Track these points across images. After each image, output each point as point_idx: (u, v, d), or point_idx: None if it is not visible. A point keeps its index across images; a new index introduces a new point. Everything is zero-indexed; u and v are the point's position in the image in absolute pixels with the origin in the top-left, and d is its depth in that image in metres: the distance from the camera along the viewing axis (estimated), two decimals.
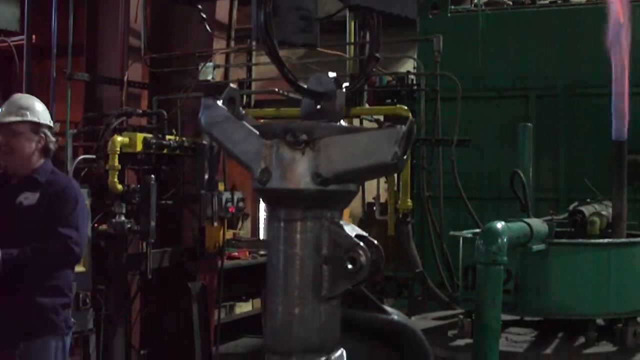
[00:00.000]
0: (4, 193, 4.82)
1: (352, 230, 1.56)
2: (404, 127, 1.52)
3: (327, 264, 1.53)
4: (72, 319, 5.05)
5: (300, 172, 1.52)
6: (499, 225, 3.64)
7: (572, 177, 8.07)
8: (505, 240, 3.59)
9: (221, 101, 1.68)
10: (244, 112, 1.72)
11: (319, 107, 1.67)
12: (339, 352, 1.57)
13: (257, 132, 1.60)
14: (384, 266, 1.52)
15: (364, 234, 1.58)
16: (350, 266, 1.51)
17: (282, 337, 1.54)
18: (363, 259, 1.51)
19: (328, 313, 1.55)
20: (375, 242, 1.54)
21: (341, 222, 1.57)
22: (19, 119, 4.75)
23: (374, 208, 8.37)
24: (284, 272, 1.54)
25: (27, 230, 4.66)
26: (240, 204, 7.87)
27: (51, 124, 4.99)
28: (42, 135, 4.84)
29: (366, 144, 1.52)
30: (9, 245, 4.59)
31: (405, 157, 1.52)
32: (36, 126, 4.82)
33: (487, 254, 3.58)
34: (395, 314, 1.83)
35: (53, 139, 4.96)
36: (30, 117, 4.78)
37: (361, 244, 1.53)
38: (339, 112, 1.66)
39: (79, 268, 6.74)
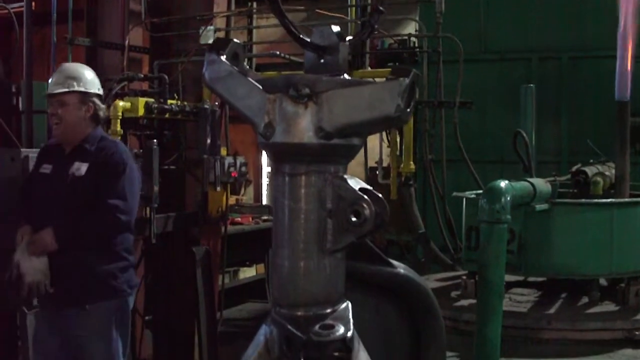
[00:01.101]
0: (59, 164, 4.87)
1: (356, 183, 1.56)
2: (407, 80, 1.51)
3: (332, 218, 1.53)
4: (135, 278, 5.14)
5: (303, 126, 1.51)
6: (502, 184, 3.63)
7: (575, 140, 8.05)
8: (508, 199, 3.58)
9: (225, 56, 1.66)
10: (247, 67, 1.70)
11: (322, 60, 1.65)
12: (344, 304, 1.57)
13: (261, 87, 1.58)
14: (388, 219, 1.52)
15: (368, 187, 1.56)
16: (354, 219, 1.51)
17: (288, 290, 1.55)
18: (367, 212, 1.50)
19: (333, 266, 1.55)
20: (380, 195, 1.53)
21: (345, 176, 1.56)
22: (66, 89, 4.78)
23: (377, 172, 8.37)
24: (289, 226, 1.54)
25: (80, 202, 4.70)
26: (243, 168, 7.86)
27: (100, 91, 5.01)
28: (91, 104, 4.86)
29: (369, 96, 1.51)
30: (65, 216, 4.66)
31: (408, 109, 1.51)
32: (84, 96, 4.84)
33: (490, 212, 3.57)
34: (401, 268, 1.82)
35: (102, 106, 5.00)
36: (77, 87, 4.81)
37: (365, 197, 1.52)
38: (342, 65, 1.65)
39: None
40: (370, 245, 1.79)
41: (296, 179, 1.54)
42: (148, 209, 7.41)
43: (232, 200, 9.86)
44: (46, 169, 4.92)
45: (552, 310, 4.30)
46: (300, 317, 1.52)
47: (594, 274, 4.41)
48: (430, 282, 5.21)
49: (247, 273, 11.38)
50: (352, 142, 1.57)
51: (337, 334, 1.47)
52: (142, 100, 7.18)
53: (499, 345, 3.59)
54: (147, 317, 8.61)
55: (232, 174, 7.74)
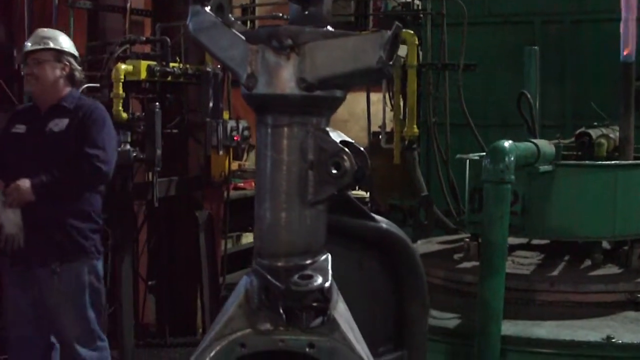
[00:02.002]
0: (34, 122, 4.94)
1: (337, 136, 1.58)
2: (389, 32, 1.51)
3: (313, 169, 1.54)
4: (101, 245, 5.22)
5: (285, 77, 1.52)
6: (506, 143, 3.59)
7: (578, 104, 7.97)
8: (512, 158, 3.54)
9: (209, 7, 1.65)
10: (233, 18, 1.68)
11: (306, 12, 1.65)
12: (324, 256, 1.59)
13: (244, 38, 1.59)
14: (370, 172, 1.52)
15: (350, 140, 1.60)
16: (334, 171, 1.53)
17: (270, 241, 1.56)
18: (347, 164, 1.52)
19: (314, 217, 1.57)
20: (362, 148, 1.55)
21: (327, 129, 1.58)
22: (41, 47, 4.90)
23: (380, 137, 8.33)
24: (271, 178, 1.55)
25: (59, 156, 4.79)
26: (246, 132, 7.84)
27: (76, 53, 5.12)
28: (66, 62, 4.98)
29: (351, 48, 1.52)
30: (43, 172, 4.73)
31: (391, 62, 1.51)
32: (58, 54, 4.96)
33: (494, 172, 3.53)
34: (384, 223, 1.83)
35: (79, 67, 5.09)
36: (52, 45, 4.92)
37: (345, 149, 1.53)
38: (326, 17, 1.65)
39: None
40: (354, 200, 1.81)
41: (278, 131, 1.55)
42: (150, 173, 7.41)
43: (234, 165, 9.84)
44: (19, 129, 4.98)
45: (555, 273, 4.26)
46: (281, 268, 1.54)
47: (597, 236, 4.37)
48: (433, 245, 5.18)
49: (250, 238, 11.38)
50: (335, 94, 1.57)
51: (315, 284, 1.49)
52: (144, 64, 7.15)
53: (502, 307, 3.57)
54: (150, 282, 8.64)
55: (235, 138, 7.73)
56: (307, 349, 1.51)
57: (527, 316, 3.89)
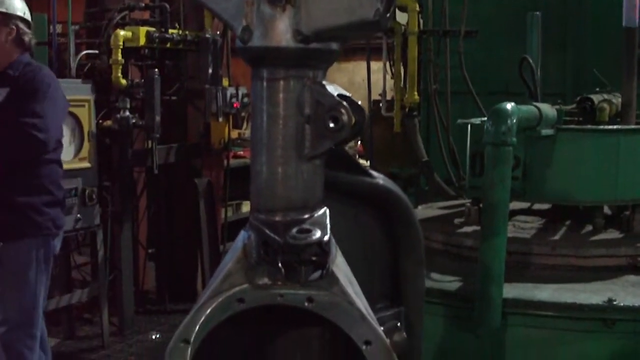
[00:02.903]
0: None
1: (334, 90, 1.54)
2: None
3: (310, 123, 1.51)
4: (63, 218, 4.95)
5: (281, 29, 1.48)
6: (508, 106, 3.57)
7: (580, 73, 7.93)
8: (514, 121, 3.52)
9: None
10: None
11: None
12: (322, 210, 1.56)
13: None
14: (366, 127, 1.50)
15: (347, 94, 1.55)
16: (332, 125, 1.49)
17: (266, 196, 1.54)
18: (345, 117, 1.49)
19: (310, 172, 1.54)
20: (359, 103, 1.52)
21: (324, 82, 1.54)
22: None
23: (380, 105, 8.29)
24: (267, 132, 1.52)
25: None
26: (245, 99, 7.81)
27: (26, 16, 4.81)
28: (13, 26, 4.70)
29: (348, 0, 1.48)
30: None
31: (388, 15, 1.48)
32: (5, 17, 4.67)
33: (496, 134, 3.51)
34: (380, 178, 1.82)
35: (28, 31, 4.79)
36: None
37: (343, 103, 1.49)
38: None
39: (84, 164, 6.76)
40: (350, 155, 1.78)
41: (274, 84, 1.52)
42: (150, 140, 7.40)
43: (234, 133, 9.83)
44: None
45: (556, 237, 4.26)
46: (278, 223, 1.52)
47: (598, 201, 4.36)
48: (433, 210, 5.17)
49: None
50: (331, 47, 1.54)
51: (314, 237, 1.47)
52: (143, 30, 7.12)
53: (503, 269, 3.57)
54: (150, 250, 8.66)
55: (234, 105, 7.71)
56: (305, 303, 1.50)
57: (528, 280, 3.90)
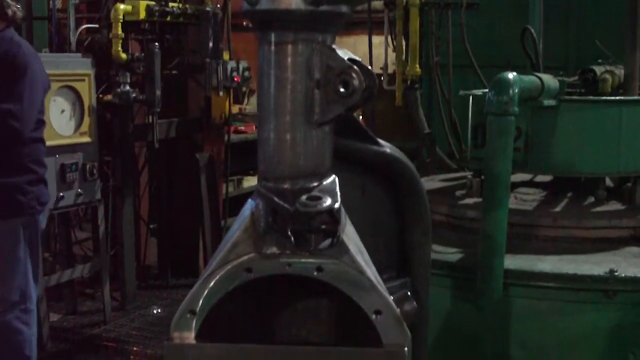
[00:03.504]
0: None
1: (344, 54, 1.52)
2: None
3: (319, 88, 1.48)
4: (47, 194, 4.95)
5: None
6: (510, 75, 3.55)
7: (582, 46, 7.89)
8: (516, 91, 3.50)
9: None
10: None
11: None
12: (331, 178, 1.54)
13: None
14: (377, 93, 1.48)
15: (357, 58, 1.53)
16: (342, 90, 1.47)
17: (274, 163, 1.52)
18: (356, 82, 1.47)
19: (320, 138, 1.52)
20: (369, 67, 1.49)
21: (333, 46, 1.52)
22: None
23: (382, 78, 8.26)
24: (275, 97, 1.49)
25: None
26: (246, 73, 7.78)
27: None
28: None
29: None
30: None
31: None
32: None
33: (498, 104, 3.49)
34: (388, 147, 1.80)
35: (11, 3, 4.70)
36: None
37: (354, 67, 1.47)
38: None
39: (84, 139, 6.74)
40: (359, 122, 1.77)
41: (282, 48, 1.49)
42: (150, 114, 7.38)
43: (235, 109, 9.79)
44: None
45: (557, 209, 4.26)
46: (287, 190, 1.50)
47: (600, 172, 4.35)
48: (435, 182, 5.16)
49: (251, 182, 11.36)
50: (341, 10, 1.51)
51: (325, 205, 1.44)
52: (143, 4, 7.08)
53: (504, 240, 3.57)
54: (151, 225, 8.66)
55: (235, 79, 7.67)
56: (315, 273, 1.47)
57: (530, 251, 3.90)
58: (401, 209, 1.86)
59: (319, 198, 1.46)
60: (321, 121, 1.50)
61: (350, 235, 1.52)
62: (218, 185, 8.48)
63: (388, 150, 1.80)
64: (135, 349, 6.92)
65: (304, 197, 1.46)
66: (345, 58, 1.50)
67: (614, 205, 4.34)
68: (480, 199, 4.06)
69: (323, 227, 1.45)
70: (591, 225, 4.07)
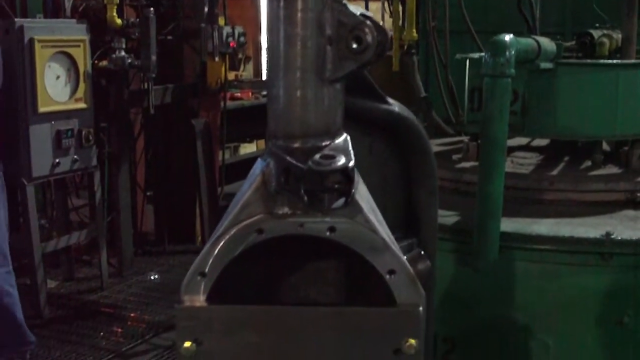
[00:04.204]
0: None
1: (356, 9, 1.48)
2: None
3: (331, 44, 1.45)
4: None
5: None
6: (507, 37, 3.53)
7: (579, 11, 7.86)
8: (512, 52, 3.48)
9: None
10: None
11: None
12: (343, 136, 1.51)
13: None
14: (388, 49, 1.45)
15: (369, 14, 1.48)
16: (355, 46, 1.44)
17: (284, 121, 1.48)
18: (369, 37, 1.43)
19: (331, 96, 1.48)
20: (380, 23, 1.46)
21: (344, 2, 1.48)
22: None
23: None
24: (285, 54, 1.46)
25: None
26: (242, 39, 7.76)
27: None
28: None
29: None
30: None
31: None
32: None
33: (494, 65, 3.48)
34: (396, 106, 1.77)
35: None
36: None
37: (367, 22, 1.44)
38: None
39: (80, 105, 6.73)
40: (369, 79, 1.72)
41: (293, 3, 1.45)
42: (146, 80, 7.36)
43: (231, 75, 9.77)
44: None
45: (554, 172, 4.26)
46: (297, 149, 1.47)
47: (597, 136, 4.35)
48: (432, 146, 5.15)
49: (248, 149, 11.39)
50: None
51: (339, 163, 1.42)
52: None
53: (501, 203, 3.57)
54: (148, 193, 8.67)
55: (231, 44, 7.65)
56: (327, 233, 1.45)
57: (526, 214, 3.90)
58: (408, 169, 1.85)
59: (333, 157, 1.43)
60: (333, 78, 1.47)
61: (363, 194, 1.50)
62: (214, 152, 8.48)
63: (397, 108, 1.76)
64: (132, 314, 6.97)
65: (317, 156, 1.44)
66: (358, 13, 1.46)
67: (611, 169, 4.35)
68: (476, 163, 4.06)
69: (336, 186, 1.43)
70: (588, 188, 4.08)
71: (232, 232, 1.47)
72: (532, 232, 3.69)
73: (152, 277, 7.79)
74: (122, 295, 7.41)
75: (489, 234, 3.59)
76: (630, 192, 4.10)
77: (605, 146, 4.66)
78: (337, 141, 1.50)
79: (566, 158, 4.57)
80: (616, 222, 3.81)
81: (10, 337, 5.32)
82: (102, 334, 6.61)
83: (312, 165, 1.41)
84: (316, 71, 1.46)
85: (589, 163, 4.45)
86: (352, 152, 1.47)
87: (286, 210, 1.46)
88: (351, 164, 1.43)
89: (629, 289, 3.65)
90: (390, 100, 1.76)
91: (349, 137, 1.52)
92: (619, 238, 3.59)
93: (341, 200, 1.44)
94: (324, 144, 1.48)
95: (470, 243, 3.65)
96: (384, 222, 1.54)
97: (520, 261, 3.73)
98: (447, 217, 3.88)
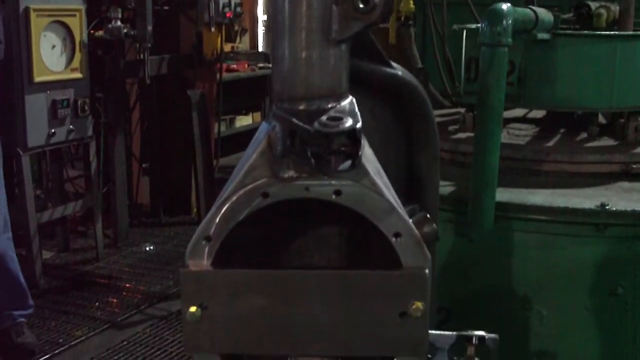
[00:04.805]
0: None
1: None
2: None
3: (337, 4, 1.42)
4: None
5: None
6: (504, 6, 3.52)
7: None
8: (510, 21, 3.48)
9: None
10: None
11: None
12: (348, 99, 1.49)
13: None
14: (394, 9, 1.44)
15: None
16: (361, 5, 1.41)
17: (290, 83, 1.46)
18: None
19: (337, 57, 1.46)
20: None
21: None
22: None
23: None
24: (290, 14, 1.43)
25: None
26: (238, 9, 7.73)
27: None
28: None
29: None
30: None
31: None
32: None
33: (491, 35, 3.47)
34: (399, 69, 1.76)
35: None
36: None
37: None
38: None
39: (76, 74, 6.71)
40: (373, 41, 1.70)
41: None
42: (141, 50, 7.34)
43: (227, 47, 9.74)
44: None
45: (550, 144, 4.27)
46: (303, 111, 1.45)
47: (594, 107, 4.34)
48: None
49: (244, 121, 11.37)
50: None
51: (346, 125, 1.39)
52: None
53: (496, 173, 3.58)
54: (144, 165, 8.67)
55: (227, 15, 7.63)
56: (333, 196, 1.43)
57: (522, 185, 3.91)
58: (410, 134, 1.83)
59: (340, 118, 1.41)
60: (339, 39, 1.44)
61: (369, 157, 1.48)
62: (210, 123, 8.48)
63: (400, 72, 1.74)
64: (127, 285, 6.99)
65: (324, 118, 1.41)
66: None
67: (607, 141, 4.36)
68: (472, 134, 4.06)
69: (343, 148, 1.40)
70: (583, 160, 4.09)
71: (237, 196, 1.45)
72: (528, 202, 3.70)
73: (147, 249, 7.81)
74: (117, 266, 7.44)
75: (484, 203, 3.60)
76: (625, 164, 4.11)
77: (601, 119, 4.67)
78: (343, 103, 1.47)
79: (562, 130, 4.57)
80: (611, 193, 3.82)
81: (16, 301, 5.41)
82: (97, 304, 6.65)
83: (318, 127, 1.39)
84: (322, 31, 1.44)
85: (584, 135, 4.46)
86: (358, 114, 1.45)
87: (292, 173, 1.44)
88: (358, 125, 1.40)
89: (623, 260, 3.66)
90: (394, 64, 1.74)
91: (354, 100, 1.50)
92: (614, 209, 3.60)
93: (347, 163, 1.42)
94: (329, 106, 1.46)
95: (466, 213, 3.66)
96: (390, 185, 1.52)
97: (516, 231, 3.73)
98: (444, 187, 3.88)
